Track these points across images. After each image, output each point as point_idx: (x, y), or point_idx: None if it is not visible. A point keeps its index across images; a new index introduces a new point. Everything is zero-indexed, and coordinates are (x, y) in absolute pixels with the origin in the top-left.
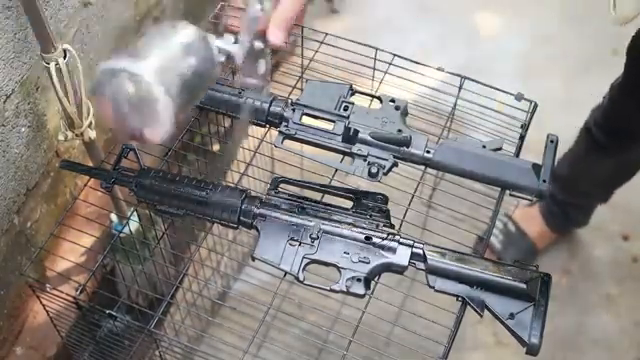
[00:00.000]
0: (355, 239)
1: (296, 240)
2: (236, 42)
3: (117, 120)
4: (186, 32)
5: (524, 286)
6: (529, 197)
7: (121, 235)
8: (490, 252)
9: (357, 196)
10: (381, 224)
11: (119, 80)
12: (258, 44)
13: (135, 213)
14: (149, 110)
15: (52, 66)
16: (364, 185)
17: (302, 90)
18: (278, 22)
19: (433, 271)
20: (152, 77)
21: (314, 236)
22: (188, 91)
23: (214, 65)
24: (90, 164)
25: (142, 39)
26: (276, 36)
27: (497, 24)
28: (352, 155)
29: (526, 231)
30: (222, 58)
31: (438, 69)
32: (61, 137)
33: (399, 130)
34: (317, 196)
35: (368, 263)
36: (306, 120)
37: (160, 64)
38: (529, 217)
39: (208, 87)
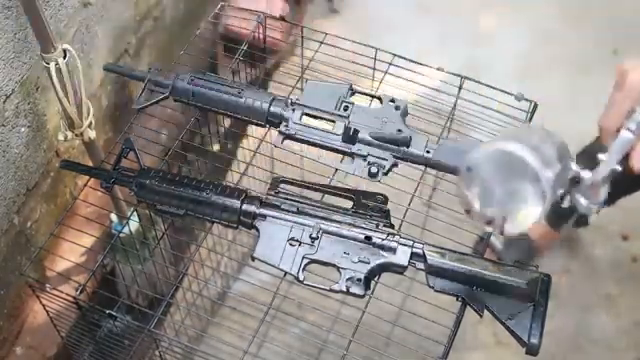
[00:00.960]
0: (355, 239)
1: (296, 240)
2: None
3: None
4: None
5: (524, 286)
6: None
7: (121, 235)
8: (491, 252)
9: (357, 196)
10: (381, 224)
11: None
12: (617, 168)
13: (135, 213)
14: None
15: (52, 66)
16: (364, 185)
17: (302, 90)
18: None
19: (433, 271)
20: (540, 165)
21: (314, 236)
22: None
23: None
24: (90, 164)
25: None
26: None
27: (497, 24)
28: (352, 155)
29: (527, 231)
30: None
31: (438, 69)
32: (61, 137)
33: (399, 130)
34: (317, 196)
35: (368, 263)
36: (306, 120)
37: (543, 159)
38: None
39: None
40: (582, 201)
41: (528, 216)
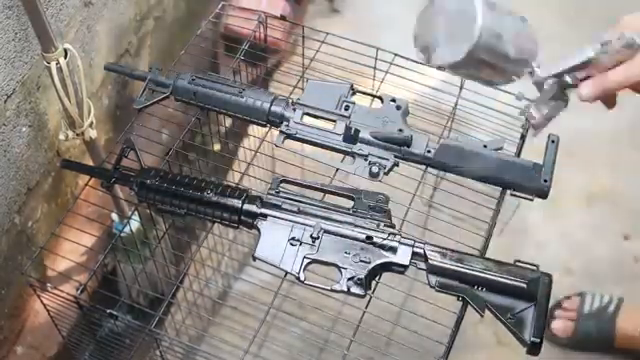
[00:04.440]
0: (356, 239)
1: (297, 240)
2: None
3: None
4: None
5: (525, 286)
6: (530, 197)
7: (122, 235)
8: (579, 304)
9: (358, 196)
10: (382, 224)
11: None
12: (567, 80)
13: (136, 213)
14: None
15: (53, 66)
16: (365, 185)
17: (303, 90)
18: (598, 83)
19: (434, 271)
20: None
21: (315, 236)
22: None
23: (535, 49)
24: (91, 164)
25: None
26: (587, 92)
27: None
28: (353, 155)
29: (618, 322)
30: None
31: (439, 68)
32: (62, 136)
33: (400, 130)
34: (318, 196)
35: (369, 263)
36: (307, 120)
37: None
38: (633, 316)
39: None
40: (539, 107)
41: (458, 49)
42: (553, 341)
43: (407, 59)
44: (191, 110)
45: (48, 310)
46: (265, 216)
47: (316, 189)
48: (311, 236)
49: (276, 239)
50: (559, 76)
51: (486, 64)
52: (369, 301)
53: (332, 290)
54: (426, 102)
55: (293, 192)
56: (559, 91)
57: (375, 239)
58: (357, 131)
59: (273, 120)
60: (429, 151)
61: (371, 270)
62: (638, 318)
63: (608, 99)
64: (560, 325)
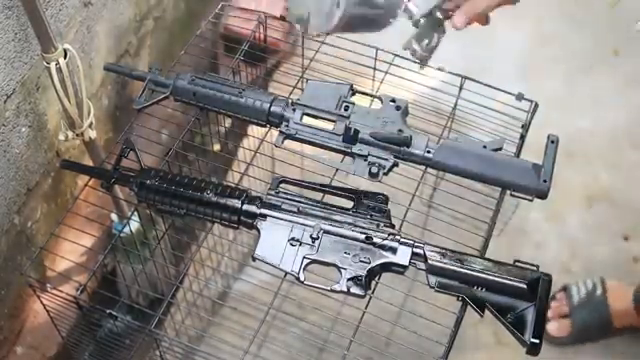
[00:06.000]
0: (355, 239)
1: (296, 240)
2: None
3: None
4: None
5: (524, 286)
6: (529, 197)
7: (122, 235)
8: (566, 298)
9: (357, 196)
10: (382, 224)
11: None
12: (439, 14)
13: (136, 213)
14: None
15: (53, 66)
16: (364, 185)
17: (303, 90)
18: (469, 9)
19: (434, 271)
20: None
21: (314, 236)
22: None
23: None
24: (90, 164)
25: None
26: (460, 21)
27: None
28: (352, 155)
29: (609, 302)
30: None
31: (439, 69)
32: (61, 137)
33: (400, 130)
34: (317, 196)
35: (368, 263)
36: (307, 120)
37: None
38: (621, 292)
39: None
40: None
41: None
42: (554, 343)
43: (407, 59)
44: (191, 110)
45: (48, 310)
46: (265, 216)
47: (316, 189)
48: (311, 236)
49: (276, 239)
50: (431, 12)
51: (360, 19)
52: (369, 301)
53: (332, 290)
54: (426, 102)
55: (293, 192)
56: (435, 24)
57: (375, 239)
58: (357, 131)
59: (273, 120)
60: (429, 151)
61: (371, 270)
62: (627, 293)
63: (480, 20)
64: (555, 325)
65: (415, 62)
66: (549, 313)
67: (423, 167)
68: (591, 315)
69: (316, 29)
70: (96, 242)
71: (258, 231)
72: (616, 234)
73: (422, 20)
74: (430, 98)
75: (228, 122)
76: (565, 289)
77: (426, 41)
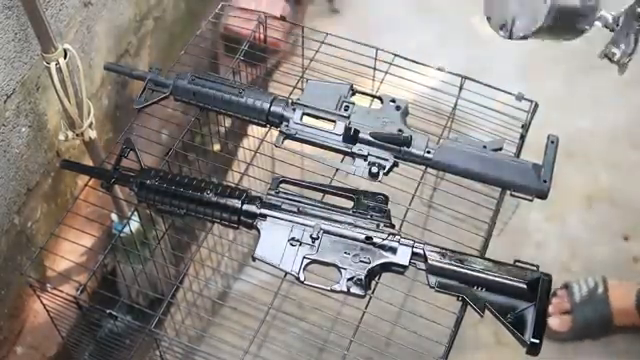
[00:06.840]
0: (355, 239)
1: (296, 240)
2: None
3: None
4: None
5: (524, 286)
6: (529, 197)
7: (122, 235)
8: (567, 295)
9: (357, 196)
10: (381, 224)
11: None
12: (638, 11)
13: (136, 213)
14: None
15: (53, 66)
16: (364, 185)
17: (303, 90)
18: None
19: (434, 271)
20: None
21: (314, 236)
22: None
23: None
24: (90, 164)
25: None
26: None
27: None
28: (353, 155)
29: (610, 301)
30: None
31: (439, 69)
32: (61, 137)
33: (400, 130)
34: (317, 196)
35: (368, 263)
36: (307, 120)
37: None
38: (623, 291)
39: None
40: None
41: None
42: (555, 338)
43: (407, 59)
44: (191, 110)
45: (48, 310)
46: (265, 216)
47: (316, 189)
48: (311, 236)
49: (276, 239)
50: (629, 11)
51: (569, 14)
52: (369, 301)
53: (332, 290)
54: (426, 102)
55: (293, 192)
56: (634, 23)
57: (375, 239)
58: (357, 131)
59: (273, 120)
60: (429, 151)
61: (371, 270)
62: (628, 291)
63: None
64: (556, 320)
65: (613, 64)
66: (550, 309)
67: (423, 167)
68: (592, 313)
69: (522, 31)
70: (96, 242)
71: (258, 231)
72: (616, 234)
73: (620, 21)
74: (430, 98)
75: (228, 122)
76: (567, 286)
77: (624, 46)
